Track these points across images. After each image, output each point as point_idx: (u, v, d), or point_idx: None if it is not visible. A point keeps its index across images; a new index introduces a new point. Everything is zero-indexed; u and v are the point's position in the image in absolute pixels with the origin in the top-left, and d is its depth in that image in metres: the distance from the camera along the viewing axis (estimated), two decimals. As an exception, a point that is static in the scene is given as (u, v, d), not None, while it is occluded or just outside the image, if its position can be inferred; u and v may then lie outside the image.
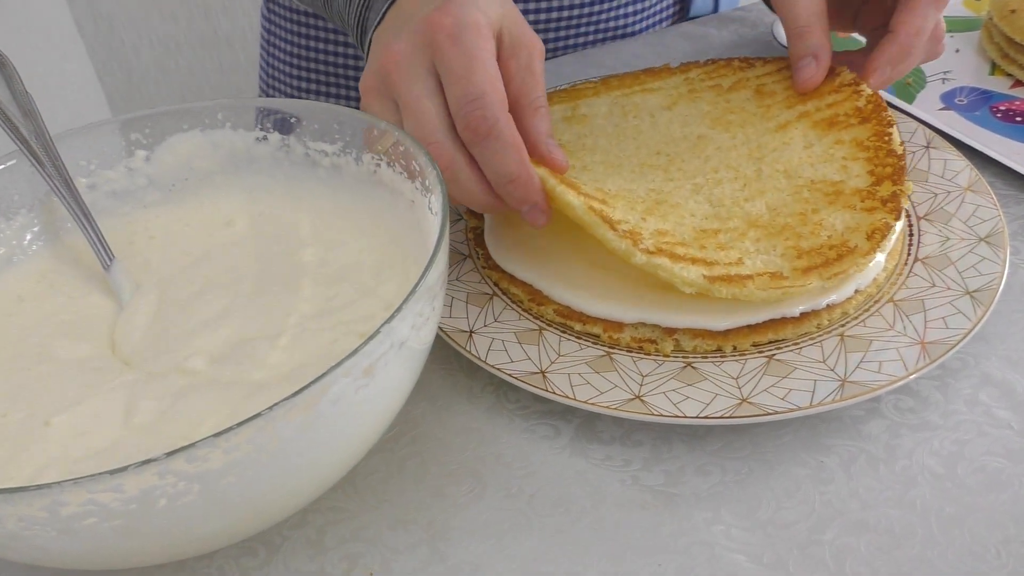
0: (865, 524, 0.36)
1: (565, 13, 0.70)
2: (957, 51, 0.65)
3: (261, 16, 0.79)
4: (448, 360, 0.45)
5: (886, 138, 0.46)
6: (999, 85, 0.60)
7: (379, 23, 0.44)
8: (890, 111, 0.48)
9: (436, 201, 0.37)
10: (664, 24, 0.77)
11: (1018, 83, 0.60)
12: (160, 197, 0.46)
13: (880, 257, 0.42)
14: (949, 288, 0.43)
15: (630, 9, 0.72)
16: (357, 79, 0.74)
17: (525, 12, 0.69)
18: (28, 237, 0.44)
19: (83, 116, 1.48)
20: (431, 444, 0.41)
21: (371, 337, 0.30)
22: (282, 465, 0.30)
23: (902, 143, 0.46)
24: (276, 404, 0.28)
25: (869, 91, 0.49)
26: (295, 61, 0.75)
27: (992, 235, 0.45)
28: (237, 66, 1.59)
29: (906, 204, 0.44)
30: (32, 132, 0.40)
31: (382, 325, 0.30)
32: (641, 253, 0.39)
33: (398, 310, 0.31)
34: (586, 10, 0.70)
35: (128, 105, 1.56)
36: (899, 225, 0.43)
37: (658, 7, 0.76)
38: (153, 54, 1.53)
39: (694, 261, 0.40)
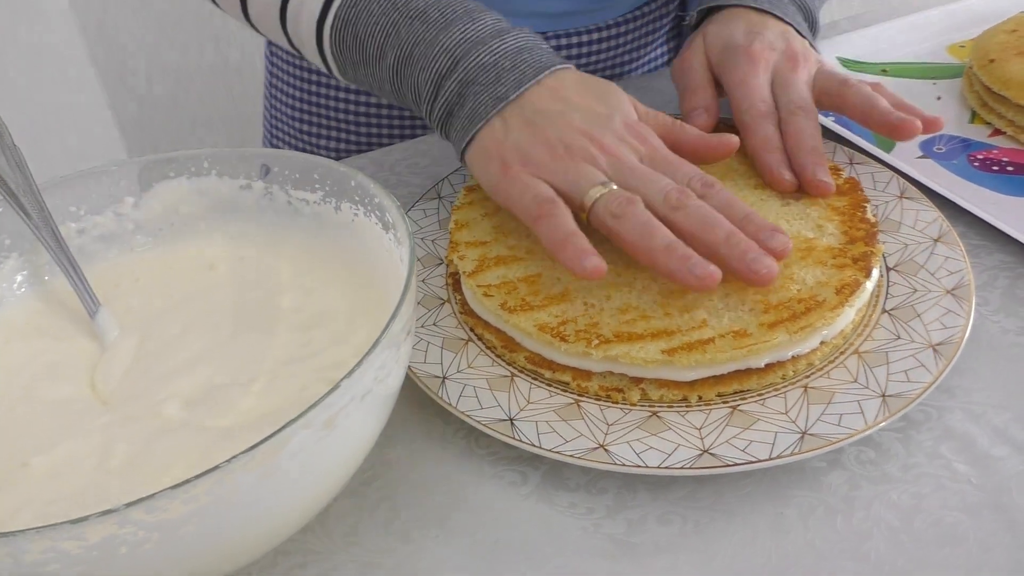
0: (820, 577, 0.36)
1: (564, 41, 0.72)
2: (939, 98, 0.65)
3: (265, 59, 0.81)
4: (424, 404, 0.45)
5: (860, 210, 0.47)
6: (978, 133, 0.61)
7: (498, 111, 0.48)
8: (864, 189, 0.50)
9: (405, 254, 0.38)
10: (660, 65, 0.79)
11: (997, 132, 0.61)
12: (147, 241, 0.48)
13: (848, 311, 0.43)
14: (913, 340, 0.43)
15: (628, 45, 0.74)
16: (360, 125, 0.75)
17: None
18: (18, 279, 0.46)
19: (94, 143, 1.51)
20: (402, 488, 0.42)
21: (331, 391, 0.31)
22: (243, 514, 0.31)
23: (875, 216, 0.48)
24: (234, 457, 0.29)
25: (846, 175, 0.51)
26: (298, 105, 0.77)
27: (958, 288, 0.46)
28: (246, 95, 1.61)
29: (877, 265, 0.45)
30: (20, 185, 0.41)
31: (342, 379, 0.31)
32: (596, 350, 0.41)
33: (359, 364, 0.32)
34: (583, 50, 0.72)
35: (139, 132, 1.59)
36: (870, 284, 0.44)
37: (653, 51, 0.77)
38: (164, 83, 1.56)
39: (654, 335, 0.41)
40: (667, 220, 0.43)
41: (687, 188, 0.45)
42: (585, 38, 0.71)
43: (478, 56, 0.48)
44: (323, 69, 0.54)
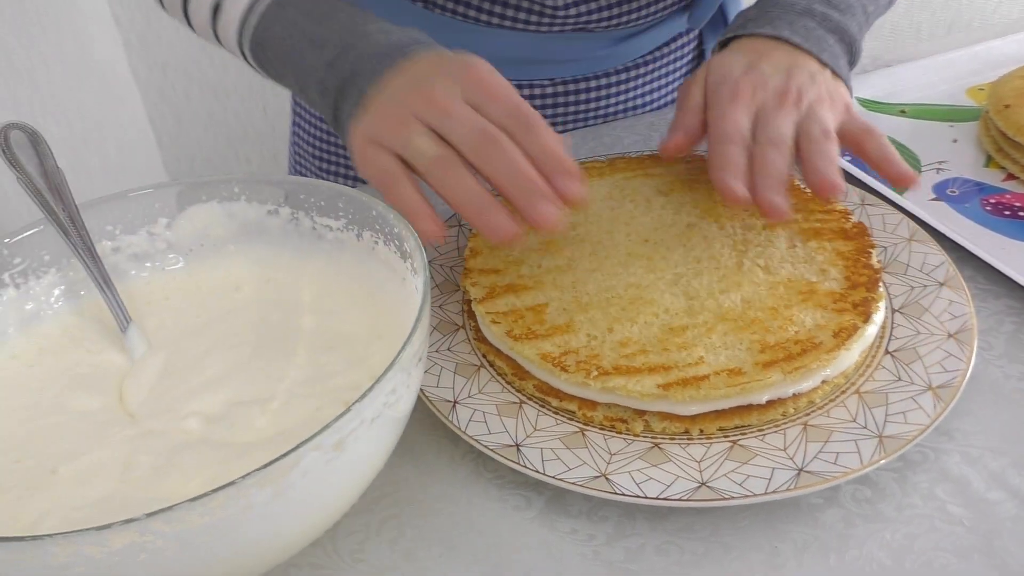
0: (810, 612, 0.37)
1: (583, 85, 0.74)
2: (955, 141, 0.66)
3: (291, 98, 0.84)
4: (435, 426, 0.47)
5: (865, 255, 0.48)
6: (992, 178, 0.62)
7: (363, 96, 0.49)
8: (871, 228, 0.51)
9: (420, 282, 0.40)
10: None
11: (1010, 176, 0.62)
12: (177, 261, 0.50)
13: (845, 354, 0.44)
14: (913, 383, 0.44)
15: (641, 88, 0.76)
16: None
17: (540, 87, 0.73)
18: (55, 293, 0.48)
19: (134, 156, 1.55)
20: (410, 507, 0.43)
21: (341, 414, 0.33)
22: (256, 528, 0.33)
23: (879, 261, 0.49)
24: (248, 474, 0.31)
25: (856, 219, 0.52)
26: (318, 144, 0.80)
27: (961, 332, 0.46)
28: (280, 112, 1.65)
29: (876, 313, 0.45)
30: (61, 205, 0.44)
31: (353, 403, 0.33)
32: (594, 380, 0.43)
33: (369, 389, 0.34)
34: (602, 82, 0.74)
35: (176, 147, 1.63)
36: (873, 328, 0.45)
37: (672, 93, 0.79)
38: (203, 100, 1.61)
39: (651, 370, 0.43)
40: (476, 167, 0.46)
41: (498, 133, 0.45)
42: (593, 83, 0.73)
43: (347, 63, 0.50)
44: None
